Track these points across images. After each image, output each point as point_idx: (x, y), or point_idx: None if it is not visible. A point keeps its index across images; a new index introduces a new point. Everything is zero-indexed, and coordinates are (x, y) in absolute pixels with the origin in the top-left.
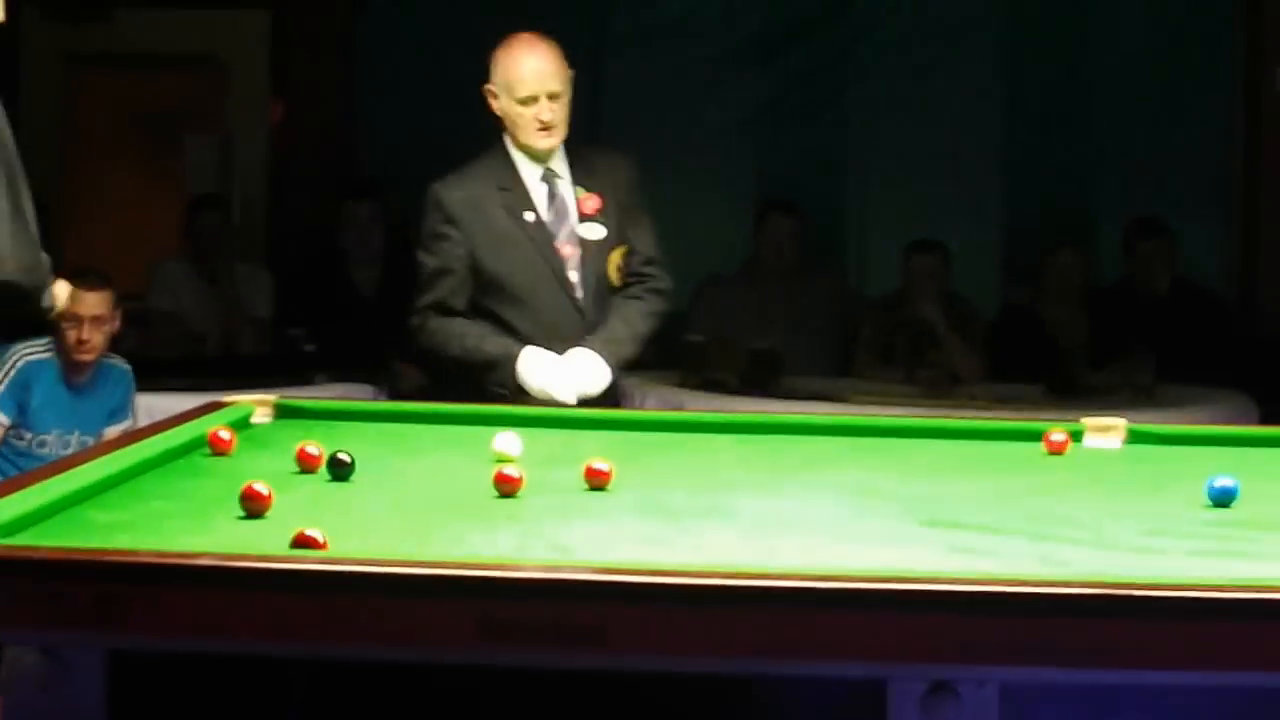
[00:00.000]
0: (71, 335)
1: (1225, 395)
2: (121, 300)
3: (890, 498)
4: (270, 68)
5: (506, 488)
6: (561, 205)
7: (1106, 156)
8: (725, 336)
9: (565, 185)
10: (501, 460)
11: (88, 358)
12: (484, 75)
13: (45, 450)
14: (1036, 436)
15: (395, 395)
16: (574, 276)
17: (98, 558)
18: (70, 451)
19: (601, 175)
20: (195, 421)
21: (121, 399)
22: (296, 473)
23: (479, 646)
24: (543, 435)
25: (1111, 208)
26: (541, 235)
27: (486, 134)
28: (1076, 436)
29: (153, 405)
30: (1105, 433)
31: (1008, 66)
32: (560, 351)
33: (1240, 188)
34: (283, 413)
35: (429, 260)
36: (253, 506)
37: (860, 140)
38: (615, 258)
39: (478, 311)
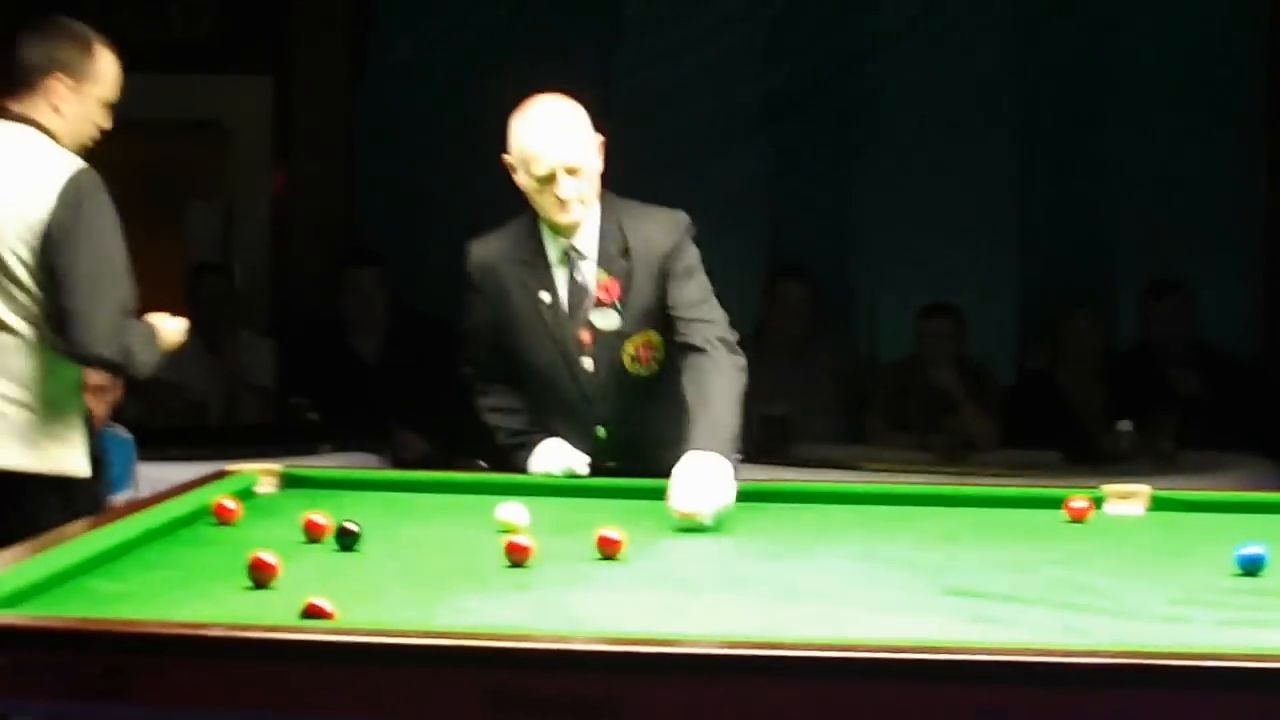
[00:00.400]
0: None
1: (1248, 460)
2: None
3: (907, 566)
4: (272, 134)
5: (517, 557)
6: (581, 288)
7: (1124, 217)
8: None
9: (589, 266)
10: (507, 530)
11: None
12: (483, 142)
13: None
14: (1056, 503)
15: (399, 464)
16: (587, 364)
17: (104, 628)
18: None
19: (635, 254)
20: (200, 491)
21: (123, 469)
22: (303, 542)
23: (489, 718)
24: (550, 504)
25: (1130, 269)
26: (556, 318)
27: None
28: (1098, 503)
29: (155, 475)
30: (1127, 499)
31: (1022, 127)
32: (573, 436)
33: (1263, 248)
34: (288, 482)
35: (464, 318)
36: (260, 576)
37: (872, 203)
38: (629, 348)
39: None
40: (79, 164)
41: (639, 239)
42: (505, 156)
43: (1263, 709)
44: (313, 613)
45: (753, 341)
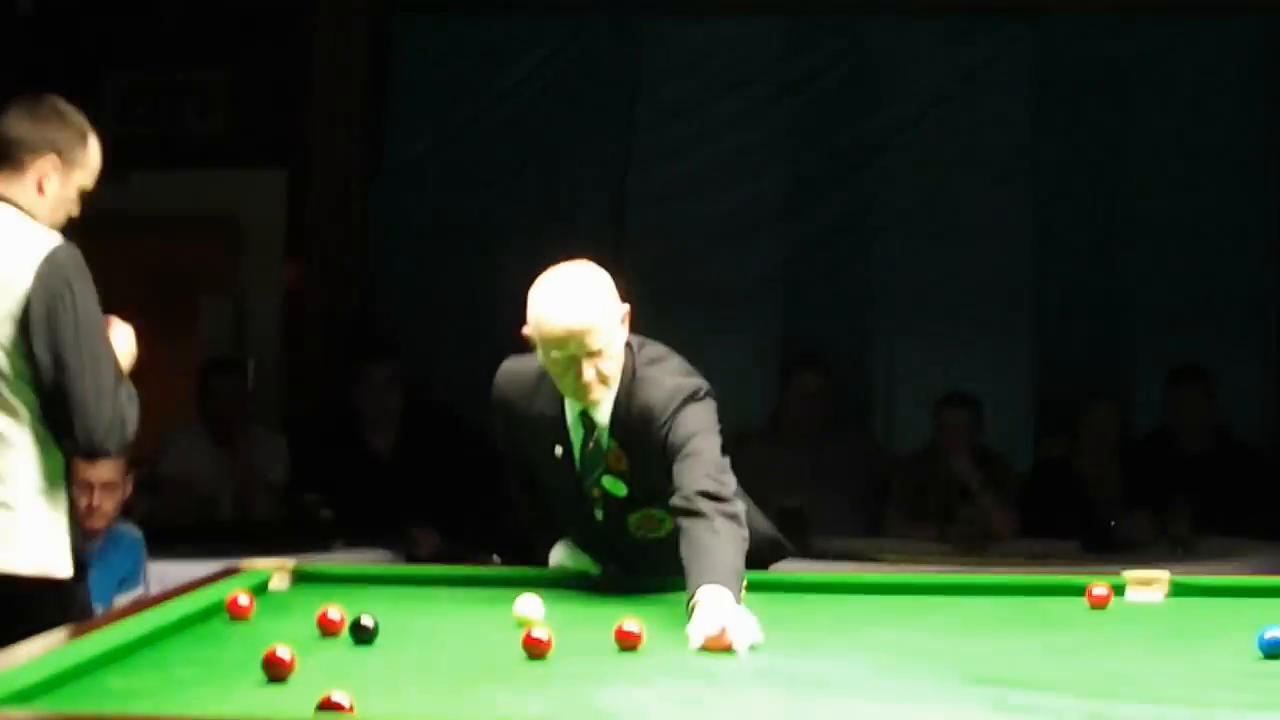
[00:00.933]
0: (82, 502)
1: (1265, 546)
2: (132, 465)
3: (930, 656)
4: (286, 228)
5: (535, 650)
6: (596, 451)
7: (1141, 304)
8: (752, 495)
9: (603, 437)
10: (524, 624)
11: (98, 525)
12: (498, 238)
13: None
14: (1077, 591)
15: (413, 561)
16: (598, 514)
17: None
18: None
19: (639, 430)
20: (213, 587)
21: (132, 566)
22: (318, 638)
23: None
24: (566, 598)
25: (1147, 355)
26: (570, 472)
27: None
28: (1119, 590)
29: (165, 572)
30: (1147, 586)
31: (1038, 214)
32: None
33: (1277, 334)
34: (301, 578)
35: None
36: (275, 672)
37: (888, 294)
38: (634, 519)
39: None
40: (57, 239)
41: (638, 417)
42: (525, 331)
43: None
44: (329, 707)
45: (769, 432)
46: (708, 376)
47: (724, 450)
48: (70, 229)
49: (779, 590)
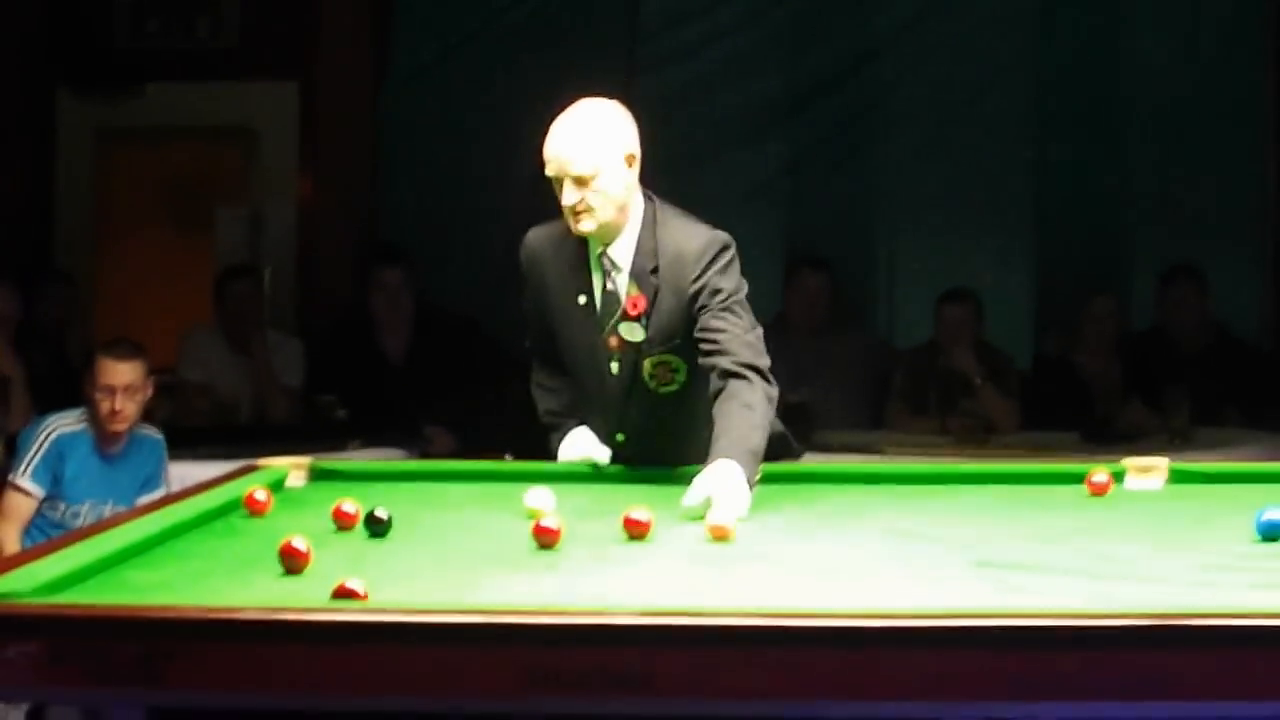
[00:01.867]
0: (105, 405)
1: (1261, 436)
2: (152, 371)
3: (934, 541)
4: (299, 139)
5: (545, 540)
6: (613, 297)
7: (1138, 201)
8: None
9: (621, 277)
10: (534, 515)
11: (121, 427)
12: (504, 145)
13: (79, 521)
14: (1077, 479)
15: (427, 458)
16: (614, 367)
17: (140, 615)
18: None
19: (664, 274)
20: (231, 484)
21: (154, 468)
22: (334, 531)
23: (525, 694)
24: (575, 490)
25: (1144, 251)
26: (590, 320)
27: (507, 202)
28: (1118, 478)
29: (185, 474)
30: (1147, 473)
31: (1037, 116)
32: (600, 430)
33: (1273, 228)
34: (317, 474)
35: (522, 300)
36: (292, 563)
37: (890, 193)
38: (647, 366)
39: None
40: None
41: (668, 260)
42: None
43: None
44: (344, 594)
45: (773, 331)
46: None
47: None
48: (88, 144)
49: (784, 480)
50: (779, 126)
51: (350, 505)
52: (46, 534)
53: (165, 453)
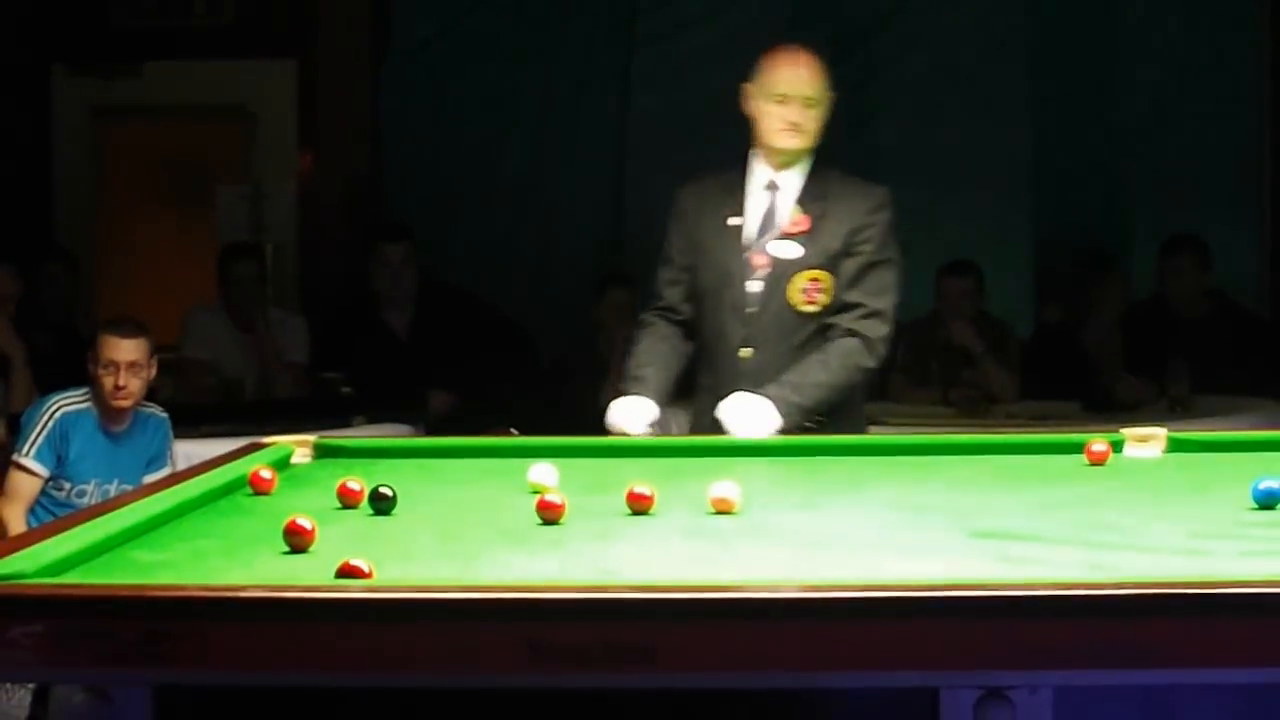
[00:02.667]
0: (109, 382)
1: (1260, 404)
2: (155, 349)
3: (934, 511)
4: (298, 116)
5: (549, 514)
6: (770, 218)
7: (1137, 171)
8: None
9: (784, 199)
10: (539, 490)
11: (126, 404)
12: (505, 119)
13: (84, 500)
14: (1077, 449)
15: (431, 423)
16: (752, 286)
17: (144, 594)
18: None
19: (832, 203)
20: (236, 463)
21: (159, 447)
22: (338, 508)
23: (529, 670)
24: (579, 464)
25: (1143, 222)
26: (737, 240)
27: (506, 176)
28: (1117, 447)
29: (191, 451)
30: (1145, 442)
31: (1035, 84)
32: (718, 359)
33: (1270, 198)
34: (322, 452)
35: (664, 247)
36: (296, 541)
37: (890, 164)
38: (800, 281)
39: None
40: None
41: (840, 194)
42: (745, 84)
43: None
44: (348, 572)
45: None
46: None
47: None
48: (85, 122)
49: (788, 453)
50: None
51: (355, 482)
52: (52, 514)
53: (170, 431)
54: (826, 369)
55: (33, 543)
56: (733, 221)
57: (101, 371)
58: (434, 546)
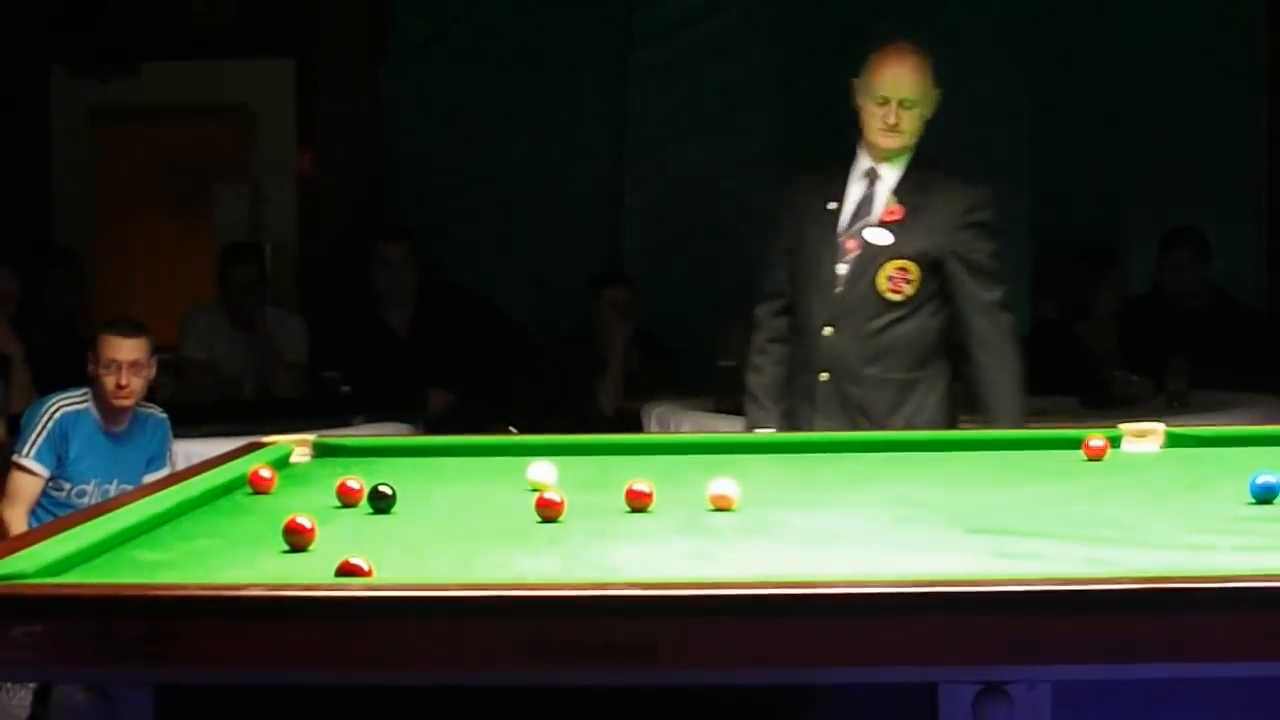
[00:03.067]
0: (110, 381)
1: (1258, 399)
2: (154, 349)
3: (932, 508)
4: (296, 116)
5: (548, 512)
6: (866, 205)
7: (1134, 168)
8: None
9: (882, 189)
10: (538, 488)
11: (127, 403)
12: (504, 117)
13: (85, 500)
14: (1074, 444)
15: (430, 420)
16: (840, 269)
17: (144, 593)
18: None
19: (929, 197)
20: (235, 462)
21: (159, 446)
22: (338, 507)
23: (529, 667)
24: (578, 463)
25: (1140, 218)
26: (832, 225)
27: (506, 176)
28: (1115, 442)
29: (190, 451)
30: (1143, 437)
31: (1033, 80)
32: (804, 341)
33: (1268, 192)
34: (322, 451)
35: (770, 241)
36: (296, 540)
37: None
38: (888, 268)
39: None
40: None
41: (939, 190)
42: (854, 80)
43: None
44: (348, 570)
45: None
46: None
47: None
48: (84, 121)
49: (786, 450)
50: (777, 95)
51: (355, 481)
52: (52, 514)
53: (170, 431)
54: (1004, 372)
55: (33, 543)
56: (830, 206)
57: (102, 371)
58: (433, 545)
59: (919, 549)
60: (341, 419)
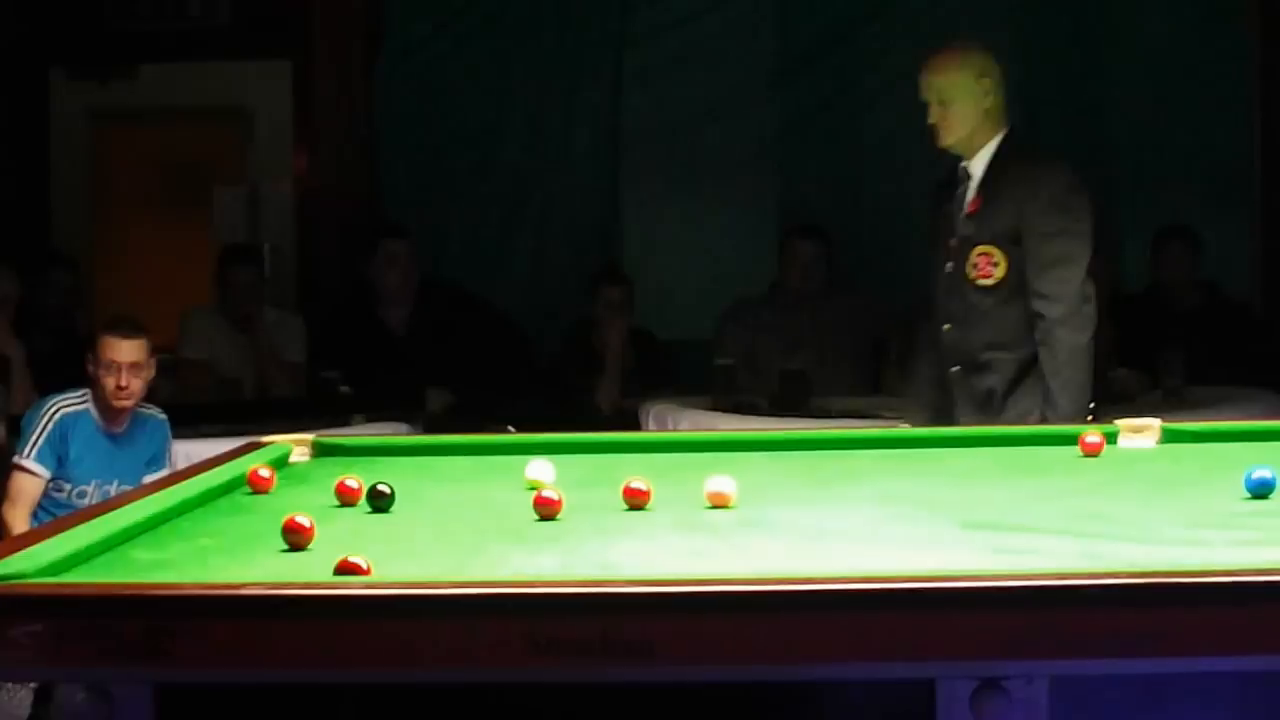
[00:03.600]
0: (110, 382)
1: (1253, 394)
2: (154, 350)
3: (929, 504)
4: (293, 117)
5: (546, 510)
6: (960, 202)
7: (1126, 164)
8: (753, 359)
9: (971, 184)
10: (536, 487)
11: (127, 404)
12: (499, 118)
13: (85, 501)
14: (1071, 440)
15: (428, 418)
16: (948, 267)
17: (143, 592)
18: None
19: (1003, 184)
20: (234, 462)
21: (159, 447)
22: (337, 506)
23: (527, 664)
24: (576, 461)
25: (1134, 216)
26: (948, 227)
27: (503, 177)
28: (1111, 438)
29: (190, 451)
30: (1139, 433)
31: (1024, 79)
32: (936, 330)
33: (1260, 188)
34: (320, 451)
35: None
36: (295, 539)
37: (882, 160)
38: (973, 256)
39: None
40: None
41: (1009, 173)
42: None
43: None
44: (347, 569)
45: (769, 299)
46: (706, 246)
47: None
48: (82, 124)
49: (783, 448)
50: (771, 95)
51: (353, 481)
52: (53, 515)
53: (169, 432)
54: (1050, 363)
55: (32, 543)
56: (951, 209)
57: (102, 372)
58: (432, 543)
59: (916, 545)
60: (340, 419)
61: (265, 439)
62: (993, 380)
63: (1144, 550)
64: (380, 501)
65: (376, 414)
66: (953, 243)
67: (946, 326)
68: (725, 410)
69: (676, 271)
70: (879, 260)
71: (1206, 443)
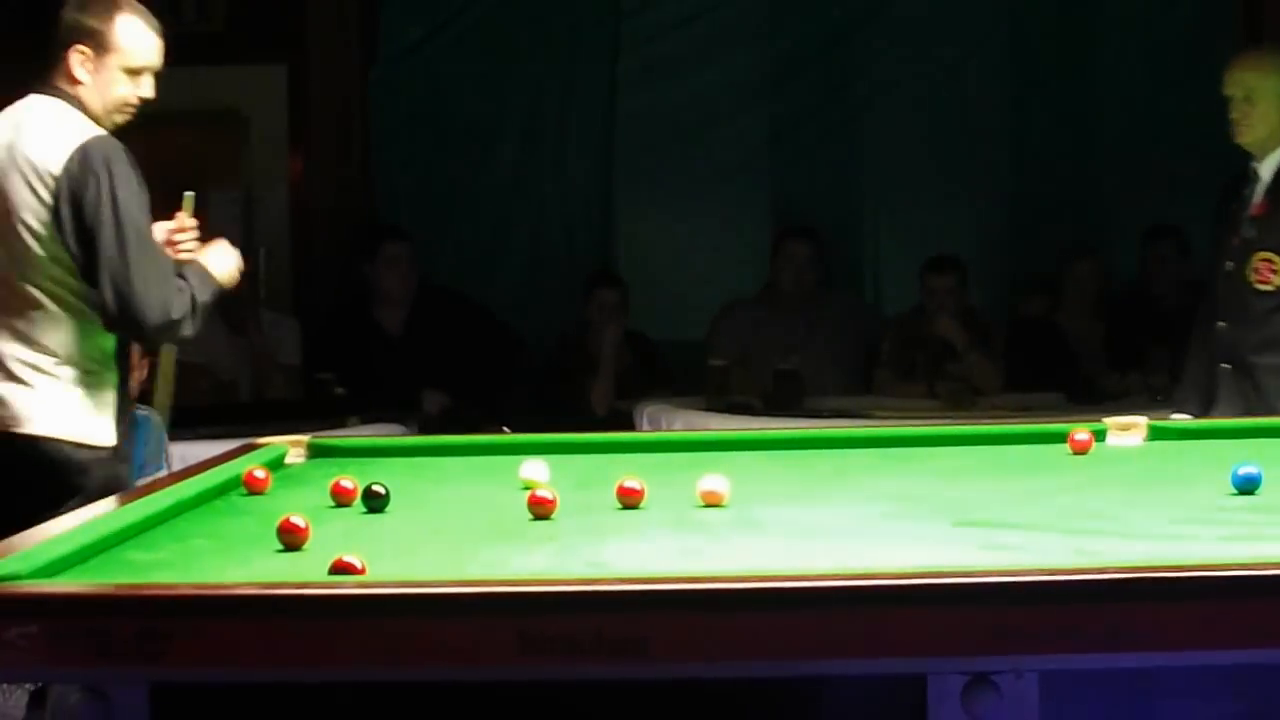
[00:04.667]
0: None
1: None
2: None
3: (920, 502)
4: (289, 121)
5: (540, 510)
6: (1246, 202)
7: (1116, 163)
8: (747, 360)
9: (1259, 188)
10: (531, 486)
11: None
12: (494, 121)
13: None
14: (1060, 438)
15: (424, 420)
16: (1228, 266)
17: (138, 593)
18: None
19: None
20: (230, 463)
21: (154, 449)
22: (332, 507)
23: (521, 662)
24: (570, 461)
25: (1123, 213)
26: (1234, 225)
27: (499, 180)
28: (1099, 436)
29: (185, 453)
30: (1127, 431)
31: (1016, 78)
32: (1210, 325)
33: None
34: (316, 452)
35: None
36: (290, 539)
37: (873, 161)
38: (1254, 260)
39: None
40: (93, 131)
41: None
42: None
43: (1267, 615)
44: (342, 569)
45: (763, 300)
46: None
47: None
48: None
49: (775, 447)
50: (764, 98)
51: (348, 481)
52: None
53: (165, 434)
54: None
55: (27, 544)
56: (1234, 206)
57: None
58: (426, 543)
59: (906, 542)
60: (336, 420)
61: (261, 440)
62: (1265, 384)
63: (1132, 546)
64: (375, 502)
65: (371, 415)
66: (1235, 242)
67: (1221, 324)
68: (719, 411)
69: (670, 273)
70: (870, 263)
71: (1193, 440)
